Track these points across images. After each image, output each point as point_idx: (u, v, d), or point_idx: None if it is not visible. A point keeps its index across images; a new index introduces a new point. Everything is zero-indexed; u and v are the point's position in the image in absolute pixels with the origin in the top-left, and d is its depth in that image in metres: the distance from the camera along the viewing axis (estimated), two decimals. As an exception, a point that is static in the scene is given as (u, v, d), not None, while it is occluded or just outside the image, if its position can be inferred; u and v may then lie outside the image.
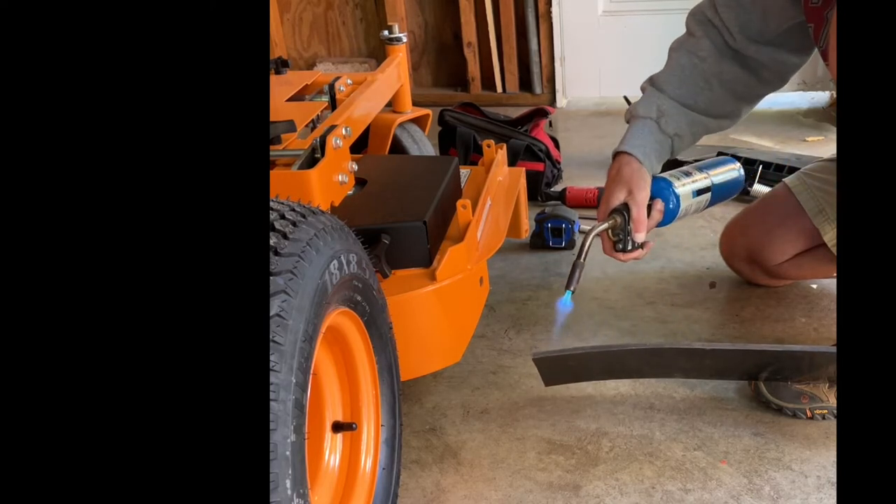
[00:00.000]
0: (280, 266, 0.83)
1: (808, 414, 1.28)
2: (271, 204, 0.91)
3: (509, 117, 2.36)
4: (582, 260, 1.28)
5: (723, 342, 1.49)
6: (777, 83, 1.44)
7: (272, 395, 0.77)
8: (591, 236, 1.30)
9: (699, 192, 1.44)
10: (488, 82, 2.97)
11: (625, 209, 1.33)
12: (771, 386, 1.30)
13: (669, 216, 1.39)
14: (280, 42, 3.10)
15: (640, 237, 1.33)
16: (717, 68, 1.38)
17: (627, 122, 1.41)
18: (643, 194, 1.32)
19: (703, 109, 1.40)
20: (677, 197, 1.38)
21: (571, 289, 1.28)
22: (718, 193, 1.49)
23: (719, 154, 1.95)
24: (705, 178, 1.45)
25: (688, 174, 1.43)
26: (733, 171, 1.53)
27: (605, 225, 1.33)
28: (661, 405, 1.36)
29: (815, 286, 1.66)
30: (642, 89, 1.43)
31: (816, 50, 1.31)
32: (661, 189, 1.37)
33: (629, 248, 1.34)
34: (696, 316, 1.59)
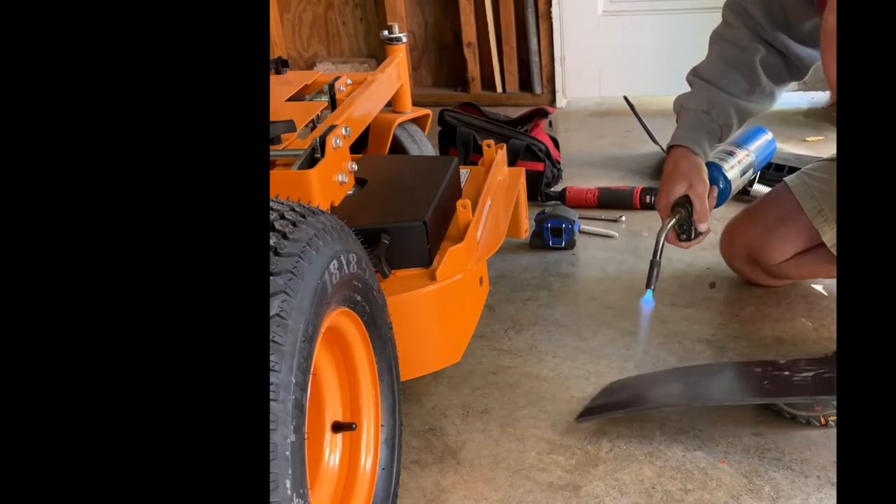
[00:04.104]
0: (280, 266, 0.83)
1: (823, 421, 1.26)
2: (271, 204, 0.91)
3: (509, 117, 2.35)
4: (658, 258, 1.34)
5: (746, 397, 1.35)
6: (803, 73, 1.51)
7: (272, 395, 0.77)
8: (663, 234, 1.37)
9: (744, 171, 1.53)
10: (488, 82, 2.97)
11: (686, 202, 1.38)
12: None
13: (722, 198, 1.47)
14: (280, 42, 3.10)
15: (704, 226, 1.40)
16: (756, 56, 1.44)
17: (676, 113, 1.47)
18: (703, 186, 1.39)
19: (747, 96, 1.46)
20: (728, 181, 1.47)
21: (652, 287, 1.34)
22: (758, 166, 1.61)
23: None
24: (747, 154, 1.54)
25: (732, 154, 1.52)
26: (767, 139, 1.64)
27: (673, 221, 1.39)
28: (661, 405, 1.36)
29: (815, 286, 1.66)
30: (688, 82, 1.49)
31: None
32: (713, 174, 1.45)
33: (693, 237, 1.41)
34: (696, 316, 1.59)
